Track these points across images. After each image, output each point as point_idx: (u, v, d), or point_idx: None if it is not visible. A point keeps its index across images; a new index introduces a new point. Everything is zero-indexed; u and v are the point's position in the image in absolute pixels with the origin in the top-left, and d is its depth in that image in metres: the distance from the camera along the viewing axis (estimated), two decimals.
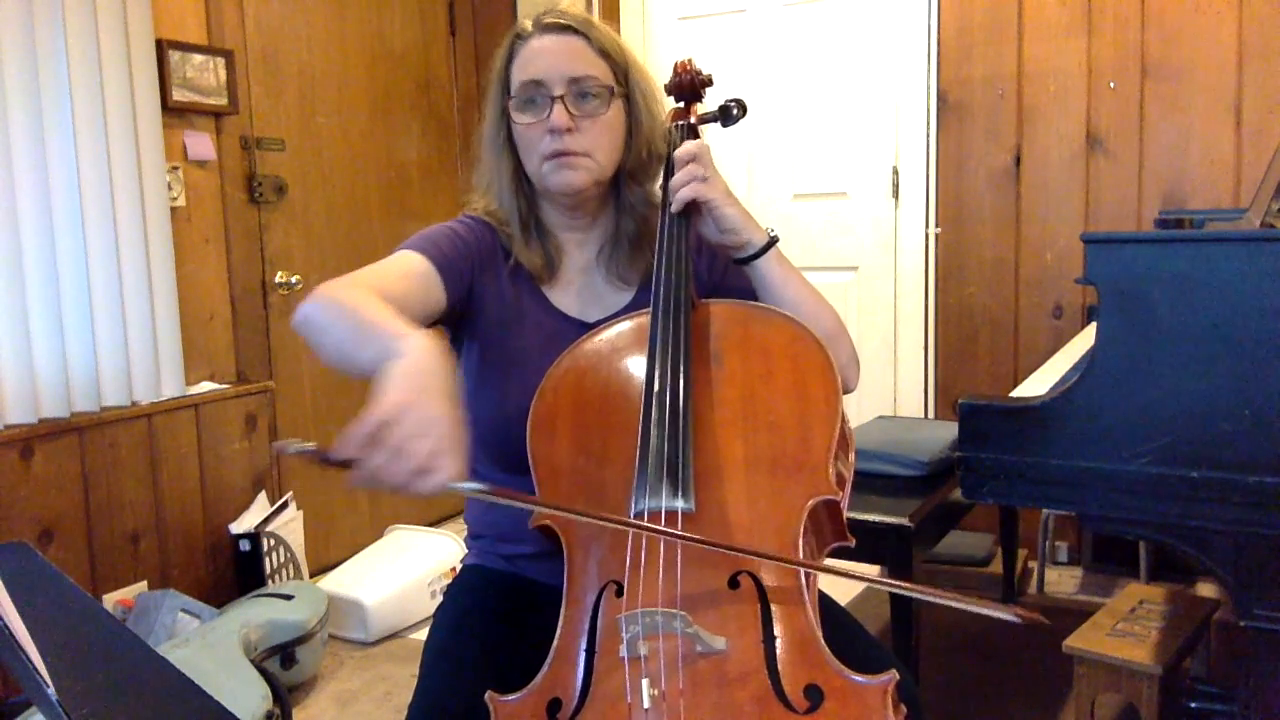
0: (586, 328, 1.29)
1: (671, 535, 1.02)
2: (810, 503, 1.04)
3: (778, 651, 0.95)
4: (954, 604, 0.95)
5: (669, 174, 1.31)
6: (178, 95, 2.70)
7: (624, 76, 1.30)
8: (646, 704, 0.91)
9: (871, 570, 2.94)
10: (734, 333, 1.20)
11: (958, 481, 1.70)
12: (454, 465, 0.86)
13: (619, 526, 1.04)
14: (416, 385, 0.89)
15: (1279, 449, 1.26)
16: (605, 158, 1.28)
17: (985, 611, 0.96)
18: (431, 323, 1.29)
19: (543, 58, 1.26)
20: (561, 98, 1.24)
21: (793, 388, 1.14)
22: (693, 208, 1.26)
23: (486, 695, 1.00)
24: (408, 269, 1.24)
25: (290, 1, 3.09)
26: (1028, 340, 3.01)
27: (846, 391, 1.25)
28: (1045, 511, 2.88)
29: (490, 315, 1.31)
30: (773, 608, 0.98)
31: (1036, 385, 1.76)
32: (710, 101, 1.42)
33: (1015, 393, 1.71)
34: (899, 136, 3.14)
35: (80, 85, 2.44)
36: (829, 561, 1.10)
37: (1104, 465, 1.36)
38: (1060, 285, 2.95)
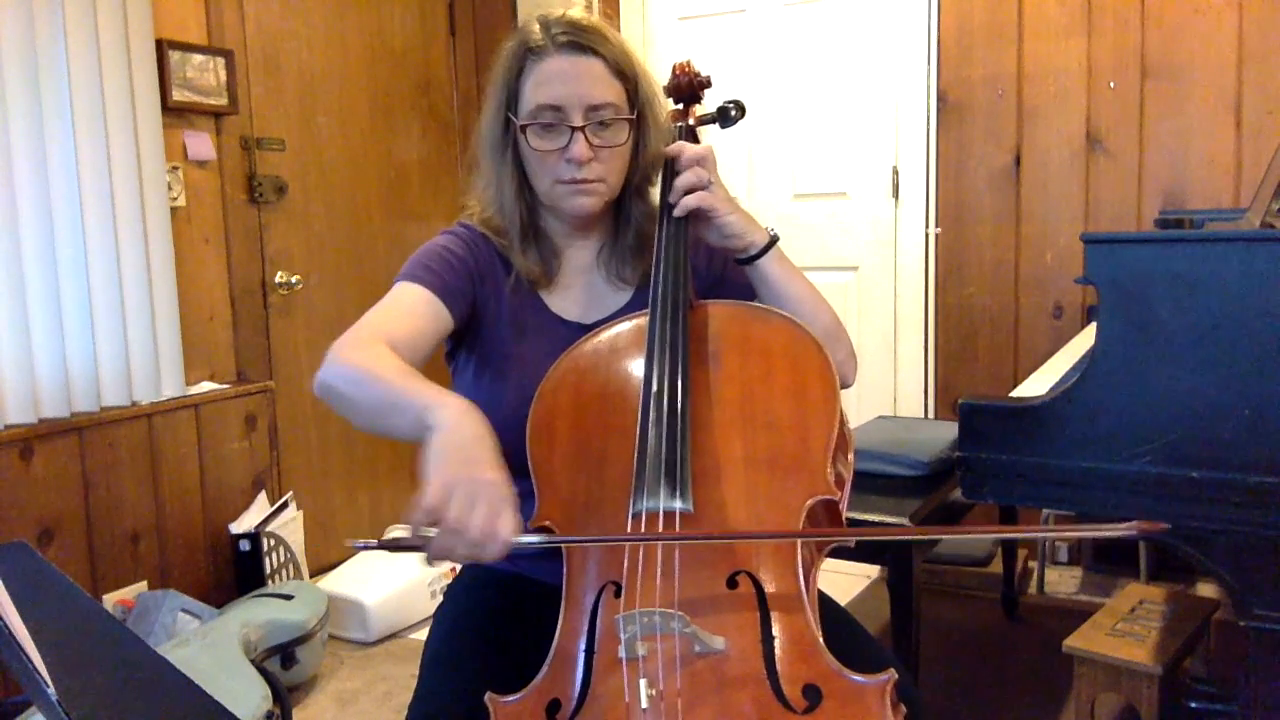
0: (585, 330, 1.29)
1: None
2: (809, 502, 1.04)
3: (776, 651, 0.95)
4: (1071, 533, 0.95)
5: (667, 177, 1.30)
6: (178, 95, 2.70)
7: (634, 92, 1.28)
8: (645, 704, 0.91)
9: (872, 570, 2.96)
10: (732, 333, 1.20)
11: (958, 481, 1.70)
12: (508, 526, 0.92)
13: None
14: (458, 459, 0.94)
15: (1279, 449, 1.26)
16: (617, 180, 1.29)
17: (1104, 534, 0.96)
18: (447, 339, 1.30)
19: (561, 83, 1.22)
20: (583, 129, 1.22)
21: (791, 388, 1.14)
22: (695, 213, 1.26)
23: (486, 696, 1.01)
24: (412, 306, 1.24)
25: (290, 1, 3.09)
26: (1028, 340, 3.01)
27: (844, 387, 1.26)
28: (1045, 511, 2.87)
29: (491, 325, 1.32)
30: (771, 607, 0.97)
31: (1036, 385, 1.76)
32: (709, 103, 1.42)
33: (1015, 393, 1.71)
34: (899, 136, 3.14)
35: (80, 85, 2.44)
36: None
37: (1104, 465, 1.36)
38: (1060, 285, 2.95)
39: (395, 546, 0.94)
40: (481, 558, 0.92)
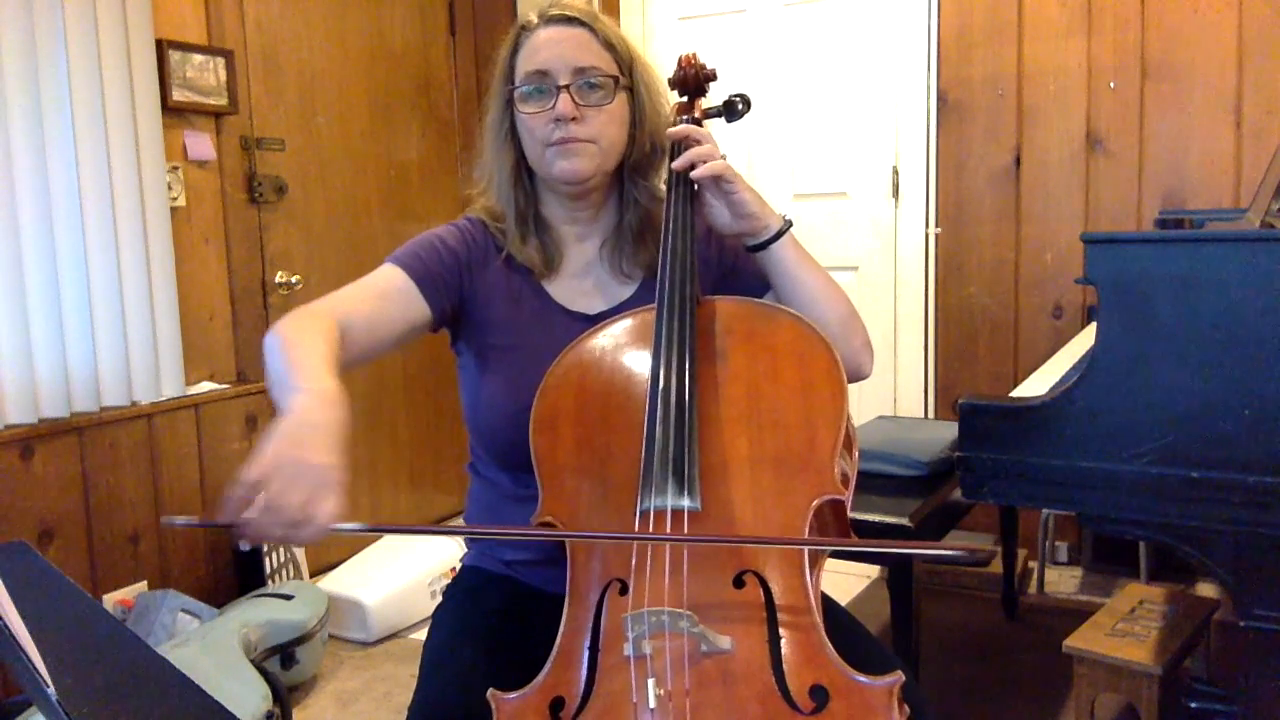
0: (589, 321, 1.29)
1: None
2: (815, 502, 1.04)
3: (783, 651, 0.94)
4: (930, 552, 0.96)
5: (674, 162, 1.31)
6: (178, 95, 2.70)
7: (628, 69, 1.30)
8: (652, 703, 0.91)
9: (872, 570, 2.96)
10: (739, 330, 1.19)
11: (958, 481, 1.71)
12: (328, 510, 0.91)
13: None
14: (289, 442, 0.93)
15: (1279, 449, 1.26)
16: (609, 147, 1.28)
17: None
18: (428, 328, 1.30)
19: (548, 48, 1.26)
20: (567, 87, 1.24)
21: (798, 386, 1.13)
22: (707, 192, 1.25)
23: (489, 693, 1.00)
24: (385, 286, 1.26)
25: (290, 1, 3.09)
26: (1028, 340, 3.01)
27: (862, 376, 1.26)
28: (1045, 511, 2.88)
29: (488, 314, 1.31)
30: (778, 607, 0.97)
31: (1036, 385, 1.76)
32: (714, 96, 1.42)
33: (1015, 393, 1.71)
34: (899, 136, 3.14)
35: (80, 85, 2.43)
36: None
37: (1104, 465, 1.36)
38: (1060, 285, 2.95)
39: (211, 524, 0.94)
40: (296, 540, 0.92)
